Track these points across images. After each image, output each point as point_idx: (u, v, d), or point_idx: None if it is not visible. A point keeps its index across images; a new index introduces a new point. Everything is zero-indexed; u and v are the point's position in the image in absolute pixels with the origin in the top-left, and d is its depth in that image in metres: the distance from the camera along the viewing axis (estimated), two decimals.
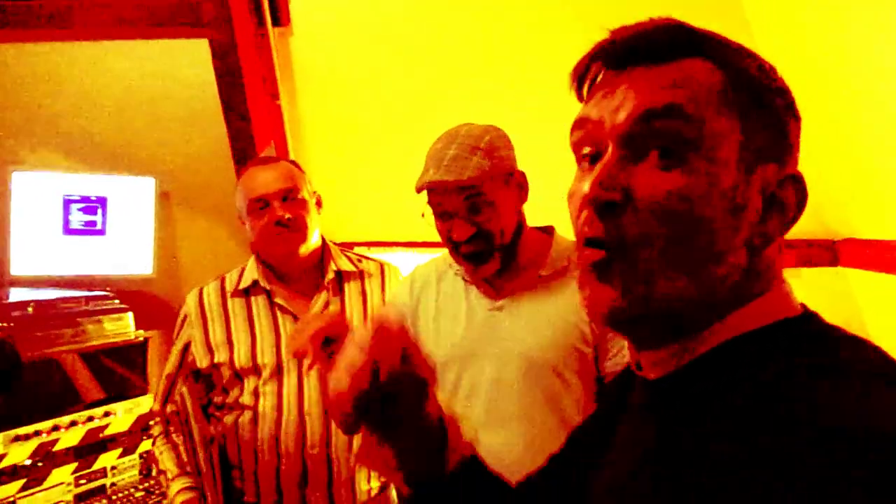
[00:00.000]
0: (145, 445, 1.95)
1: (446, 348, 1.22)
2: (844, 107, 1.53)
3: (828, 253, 1.85)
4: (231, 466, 1.47)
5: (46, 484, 1.72)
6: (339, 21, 2.10)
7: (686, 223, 0.47)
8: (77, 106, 2.48)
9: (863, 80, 1.43)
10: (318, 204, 1.53)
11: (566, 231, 0.96)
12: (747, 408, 0.43)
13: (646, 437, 0.52)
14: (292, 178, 1.46)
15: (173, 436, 1.50)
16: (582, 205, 0.51)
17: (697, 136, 0.47)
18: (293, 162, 1.56)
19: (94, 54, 2.33)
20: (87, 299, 1.99)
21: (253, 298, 1.49)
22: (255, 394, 1.42)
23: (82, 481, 1.81)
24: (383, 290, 1.56)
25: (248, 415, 1.42)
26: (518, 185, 1.19)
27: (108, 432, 1.89)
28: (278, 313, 1.48)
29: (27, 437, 1.73)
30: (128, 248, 2.51)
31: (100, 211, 2.47)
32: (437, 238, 1.20)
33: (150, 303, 2.37)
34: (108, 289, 2.12)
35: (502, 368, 1.16)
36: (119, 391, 1.99)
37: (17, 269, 2.35)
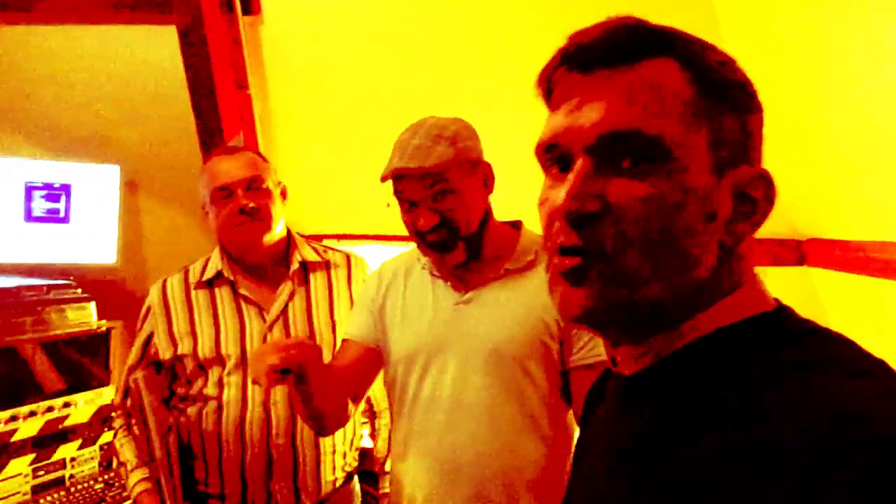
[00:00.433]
0: (106, 437, 1.92)
1: (413, 341, 1.22)
2: (812, 111, 1.57)
3: (794, 253, 1.90)
4: (194, 457, 1.46)
5: (3, 475, 1.68)
6: (311, 11, 2.09)
7: (662, 229, 0.47)
8: (41, 90, 2.42)
9: (829, 83, 1.47)
10: (283, 195, 1.52)
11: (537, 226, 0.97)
12: (727, 400, 0.43)
13: (622, 432, 0.53)
14: (256, 168, 1.45)
15: (134, 428, 1.50)
16: (555, 214, 0.51)
17: (667, 150, 0.48)
18: (258, 152, 1.55)
19: (60, 37, 2.27)
20: (49, 288, 1.94)
21: (217, 289, 1.48)
22: (220, 384, 1.42)
23: (40, 472, 1.78)
24: (349, 280, 1.56)
25: (212, 405, 1.41)
26: (484, 175, 1.19)
27: (67, 423, 1.86)
28: (242, 304, 1.47)
29: None
30: (91, 237, 2.46)
31: (63, 198, 2.41)
32: (406, 232, 1.20)
33: (114, 293, 2.32)
34: (70, 278, 2.08)
35: (467, 361, 1.16)
36: (80, 382, 1.95)
37: None
